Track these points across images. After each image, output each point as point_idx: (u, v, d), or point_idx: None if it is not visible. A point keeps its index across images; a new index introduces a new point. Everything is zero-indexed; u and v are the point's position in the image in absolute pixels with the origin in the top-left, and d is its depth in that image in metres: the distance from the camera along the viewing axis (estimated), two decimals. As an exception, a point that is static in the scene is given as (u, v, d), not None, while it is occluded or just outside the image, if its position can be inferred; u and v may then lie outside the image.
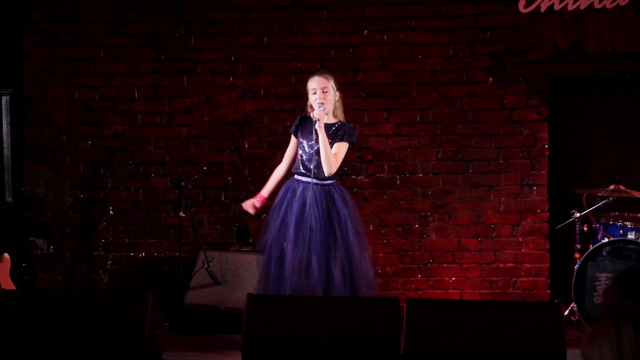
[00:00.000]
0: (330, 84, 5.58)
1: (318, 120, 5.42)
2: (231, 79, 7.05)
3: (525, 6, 6.78)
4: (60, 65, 7.06)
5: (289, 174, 5.81)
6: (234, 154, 7.07)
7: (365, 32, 6.97)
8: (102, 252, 7.09)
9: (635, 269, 2.87)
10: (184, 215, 6.52)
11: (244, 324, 4.75)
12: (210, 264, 6.52)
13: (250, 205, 5.88)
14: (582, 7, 6.71)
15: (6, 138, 6.56)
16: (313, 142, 5.49)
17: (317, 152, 5.46)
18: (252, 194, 7.03)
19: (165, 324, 5.65)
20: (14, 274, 6.18)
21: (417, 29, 6.92)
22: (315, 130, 5.43)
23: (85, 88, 7.08)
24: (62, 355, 4.79)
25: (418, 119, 6.97)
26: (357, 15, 6.96)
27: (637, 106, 7.28)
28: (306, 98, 7.11)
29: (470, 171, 6.95)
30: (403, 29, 6.93)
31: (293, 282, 5.40)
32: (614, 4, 6.68)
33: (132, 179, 7.08)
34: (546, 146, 6.88)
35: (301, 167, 5.60)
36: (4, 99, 6.59)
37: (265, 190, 5.87)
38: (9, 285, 5.97)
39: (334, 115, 5.65)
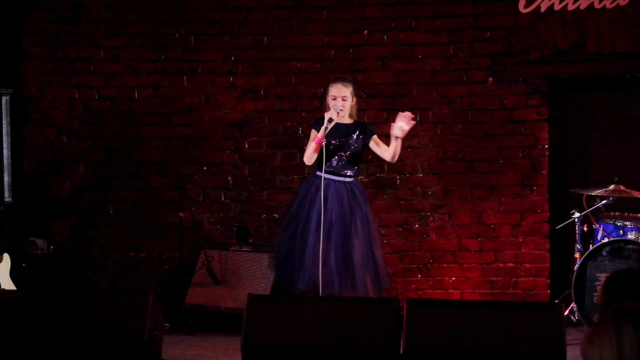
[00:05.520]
0: (349, 91, 5.81)
1: (332, 120, 5.65)
2: (231, 79, 7.05)
3: (525, 6, 6.78)
4: (60, 65, 7.06)
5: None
6: (234, 154, 7.07)
7: (365, 32, 6.97)
8: (102, 252, 7.09)
9: (632, 270, 2.88)
10: (184, 215, 6.52)
11: (244, 324, 4.75)
12: (210, 264, 6.51)
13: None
14: (582, 7, 6.71)
15: (6, 138, 6.55)
16: (334, 140, 5.72)
17: (336, 149, 5.72)
18: (252, 194, 7.06)
19: (165, 324, 5.65)
20: (14, 274, 6.17)
21: (417, 29, 6.92)
22: (327, 127, 5.63)
23: (85, 88, 7.07)
24: (62, 355, 4.79)
25: (418, 119, 6.96)
26: (357, 15, 6.96)
27: (637, 106, 7.27)
28: (306, 98, 7.13)
29: (470, 171, 6.95)
30: (403, 29, 6.93)
31: (312, 273, 5.61)
32: (614, 4, 6.68)
33: (132, 179, 7.08)
34: (546, 146, 6.88)
35: (324, 165, 5.71)
36: (4, 99, 6.58)
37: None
38: (9, 285, 5.97)
39: (350, 116, 5.88)
